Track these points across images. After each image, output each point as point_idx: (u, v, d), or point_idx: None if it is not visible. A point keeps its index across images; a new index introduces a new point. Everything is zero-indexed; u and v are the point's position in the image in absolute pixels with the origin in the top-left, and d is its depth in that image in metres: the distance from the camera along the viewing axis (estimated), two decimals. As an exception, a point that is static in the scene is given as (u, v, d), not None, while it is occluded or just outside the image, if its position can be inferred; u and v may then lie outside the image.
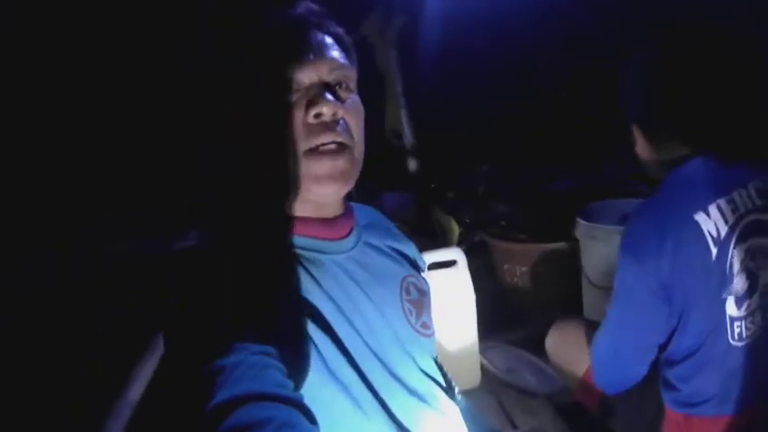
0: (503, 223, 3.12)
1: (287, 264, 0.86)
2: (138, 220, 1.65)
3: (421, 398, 0.91)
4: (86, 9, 1.65)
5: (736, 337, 1.29)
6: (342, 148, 0.85)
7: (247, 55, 0.88)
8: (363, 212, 1.07)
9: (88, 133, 1.78)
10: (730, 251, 1.26)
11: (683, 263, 1.25)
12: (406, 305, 0.99)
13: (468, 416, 1.00)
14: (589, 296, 2.36)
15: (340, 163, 0.85)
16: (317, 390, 0.77)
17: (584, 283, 2.37)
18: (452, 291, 2.19)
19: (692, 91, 1.32)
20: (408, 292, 1.00)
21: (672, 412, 1.39)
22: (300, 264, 0.87)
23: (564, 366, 1.75)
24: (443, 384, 0.99)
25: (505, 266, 2.95)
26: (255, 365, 0.67)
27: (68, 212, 1.65)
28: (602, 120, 3.01)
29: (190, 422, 0.63)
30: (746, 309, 1.29)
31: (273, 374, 0.68)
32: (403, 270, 1.03)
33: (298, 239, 0.90)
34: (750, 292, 1.29)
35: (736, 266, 1.26)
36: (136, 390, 1.18)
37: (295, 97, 0.84)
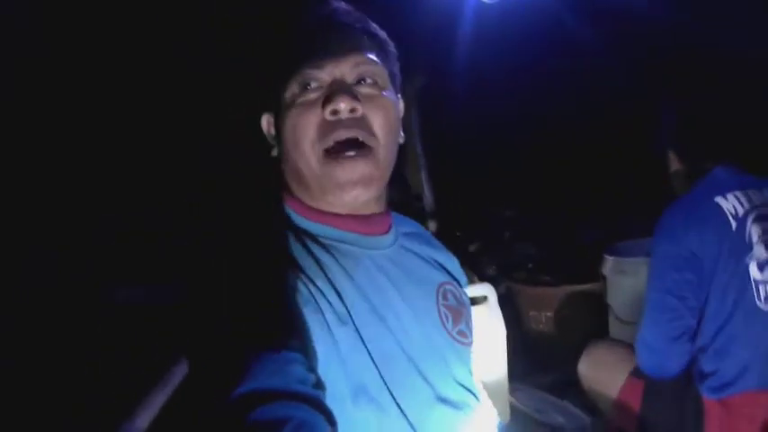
0: (530, 266, 3.04)
1: (315, 254, 0.81)
2: (139, 221, 1.61)
3: (454, 405, 0.83)
4: (86, 8, 1.67)
5: (762, 299, 1.42)
6: (361, 148, 0.80)
7: (269, 53, 0.86)
8: (405, 222, 1.02)
9: (88, 133, 1.76)
10: (748, 226, 1.45)
11: (709, 233, 1.44)
12: (443, 310, 0.91)
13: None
14: (616, 332, 2.29)
15: (359, 167, 0.80)
16: (339, 401, 0.71)
17: (611, 319, 2.31)
18: (483, 326, 2.07)
19: (710, 118, 1.60)
20: (446, 298, 0.93)
21: (709, 401, 1.43)
22: (332, 255, 0.82)
23: (598, 388, 1.76)
24: (478, 396, 0.90)
25: (531, 313, 2.87)
26: (279, 359, 0.63)
27: (68, 212, 1.62)
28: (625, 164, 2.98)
29: (207, 408, 0.61)
30: None
31: (297, 369, 0.64)
32: (441, 276, 0.96)
33: (331, 230, 0.85)
34: None
35: (755, 237, 1.44)
36: (144, 418, 1.09)
37: (315, 95, 0.80)
